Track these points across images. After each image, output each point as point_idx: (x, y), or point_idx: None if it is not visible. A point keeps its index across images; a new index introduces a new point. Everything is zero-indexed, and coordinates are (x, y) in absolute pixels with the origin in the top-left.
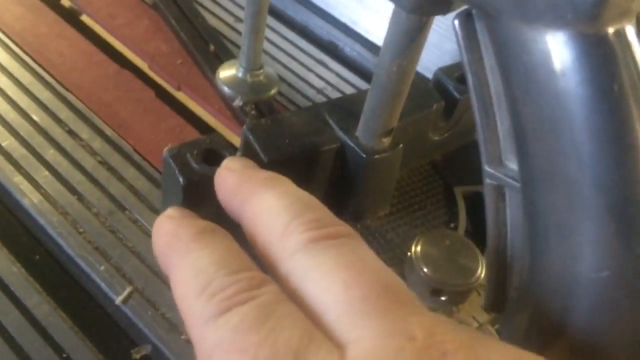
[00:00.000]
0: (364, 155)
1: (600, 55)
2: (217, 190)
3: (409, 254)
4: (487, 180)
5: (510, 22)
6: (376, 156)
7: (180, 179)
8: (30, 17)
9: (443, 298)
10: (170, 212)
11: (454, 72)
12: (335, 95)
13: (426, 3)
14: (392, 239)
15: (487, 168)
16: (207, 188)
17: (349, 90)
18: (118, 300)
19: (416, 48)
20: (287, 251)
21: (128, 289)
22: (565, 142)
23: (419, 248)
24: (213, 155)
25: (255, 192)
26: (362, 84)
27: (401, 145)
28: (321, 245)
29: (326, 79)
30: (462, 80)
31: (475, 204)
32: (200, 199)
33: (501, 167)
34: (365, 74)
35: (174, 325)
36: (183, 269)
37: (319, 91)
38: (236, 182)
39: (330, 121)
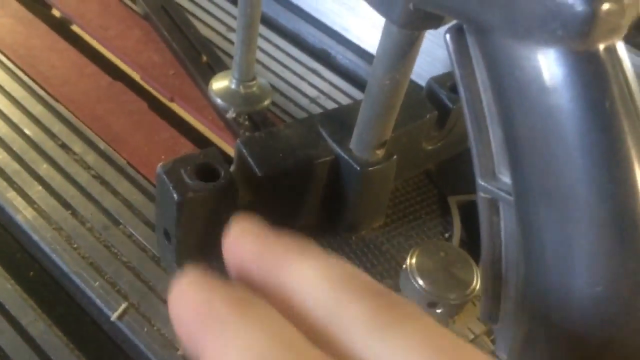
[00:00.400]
0: (358, 168)
1: (591, 72)
2: (228, 259)
3: (404, 266)
4: (481, 194)
5: (501, 39)
6: (370, 168)
7: (175, 195)
8: (21, 29)
9: (439, 310)
10: (191, 276)
11: (447, 82)
12: (328, 103)
13: (417, 18)
14: (387, 250)
15: (480, 182)
16: (201, 204)
17: (342, 98)
18: (113, 316)
19: (408, 61)
20: (352, 332)
21: (123, 305)
22: (557, 158)
23: (414, 260)
24: (207, 170)
25: (289, 262)
26: (356, 92)
27: (395, 157)
28: (392, 327)
29: (319, 88)
30: (454, 89)
31: (470, 213)
32: (194, 215)
33: (495, 180)
34: (358, 82)
35: (170, 341)
36: (226, 347)
37: (312, 100)
38: (257, 249)
39: (324, 133)
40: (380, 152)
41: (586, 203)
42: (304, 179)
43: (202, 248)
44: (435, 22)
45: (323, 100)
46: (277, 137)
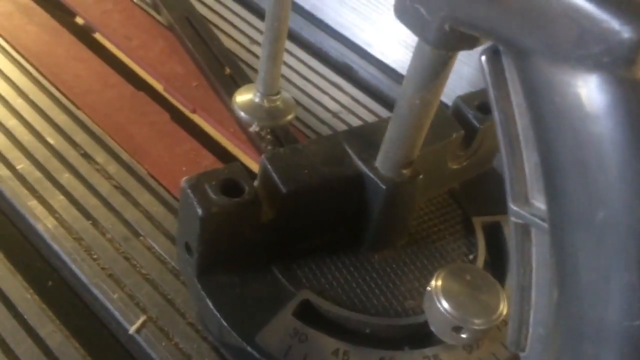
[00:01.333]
0: (384, 186)
1: (636, 99)
2: None
3: (428, 288)
4: (513, 219)
5: (540, 63)
6: (396, 187)
7: (199, 210)
8: (46, 38)
9: (463, 335)
10: None
11: (474, 101)
12: (350, 118)
13: (452, 38)
14: (410, 271)
15: (512, 206)
16: (224, 219)
17: (364, 113)
18: (132, 329)
19: (440, 81)
20: None
21: (142, 318)
22: (597, 186)
23: (439, 283)
24: (231, 185)
25: None
26: (377, 107)
27: (421, 176)
28: None
29: (341, 102)
30: (481, 108)
31: (494, 235)
32: (217, 230)
33: (527, 205)
34: (380, 97)
35: (188, 356)
36: None
37: (334, 114)
38: None
39: (350, 151)
40: (406, 171)
41: (627, 233)
42: (329, 196)
43: (223, 262)
44: (470, 43)
45: (345, 115)
46: (302, 154)
